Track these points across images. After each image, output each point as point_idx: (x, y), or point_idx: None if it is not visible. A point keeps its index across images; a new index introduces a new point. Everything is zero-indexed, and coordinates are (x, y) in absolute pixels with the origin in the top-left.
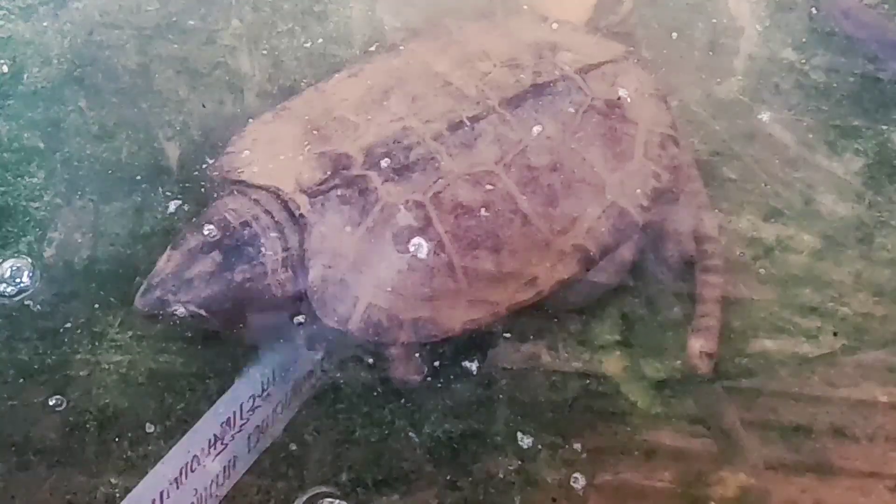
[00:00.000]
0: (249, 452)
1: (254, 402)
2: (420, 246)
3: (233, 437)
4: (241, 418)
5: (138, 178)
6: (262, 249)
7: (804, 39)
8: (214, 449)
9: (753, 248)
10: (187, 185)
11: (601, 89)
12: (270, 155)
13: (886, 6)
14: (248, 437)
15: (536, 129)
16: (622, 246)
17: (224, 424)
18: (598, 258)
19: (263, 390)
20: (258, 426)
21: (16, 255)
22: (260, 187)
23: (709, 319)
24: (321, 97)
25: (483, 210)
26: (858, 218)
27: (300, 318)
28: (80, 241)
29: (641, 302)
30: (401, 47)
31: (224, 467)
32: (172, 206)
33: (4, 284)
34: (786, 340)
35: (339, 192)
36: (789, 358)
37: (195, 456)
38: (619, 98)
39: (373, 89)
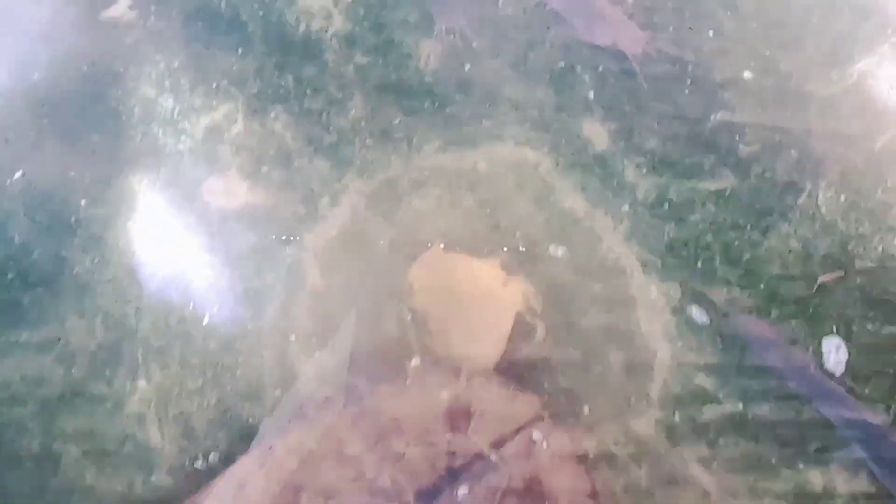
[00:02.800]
0: None
1: None
2: None
3: None
4: None
5: None
6: None
7: (717, 364)
8: None
9: None
10: None
11: (517, 464)
12: None
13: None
14: None
15: None
16: None
17: None
18: None
19: None
20: None
21: None
22: None
23: None
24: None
25: None
26: None
27: None
28: None
29: None
30: (312, 417)
31: None
32: None
33: None
34: None
35: None
36: None
37: None
38: (536, 473)
39: (286, 489)
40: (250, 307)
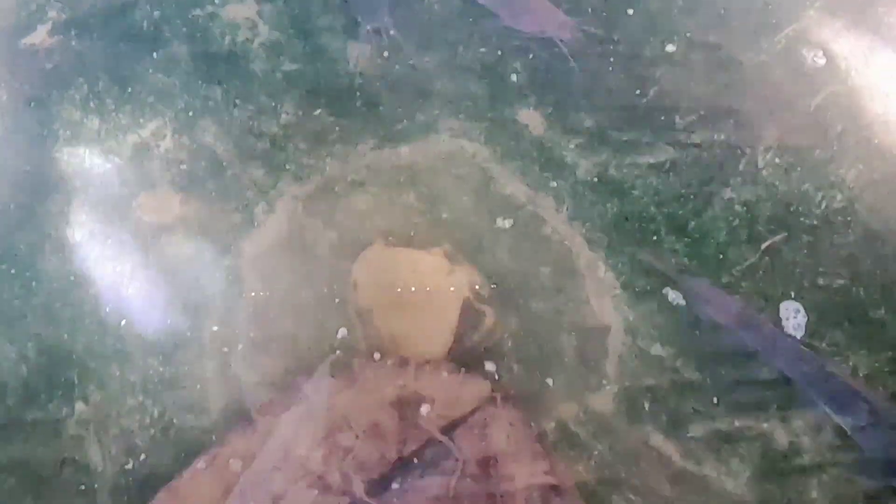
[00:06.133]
0: None
1: None
2: None
3: None
4: None
5: None
6: None
7: (671, 332)
8: None
9: None
10: None
11: (470, 447)
12: None
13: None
14: None
15: None
16: None
17: None
18: None
19: None
20: None
21: None
22: None
23: None
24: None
25: None
26: None
27: None
28: None
29: None
30: (257, 420)
31: None
32: None
33: None
34: None
35: None
36: None
37: None
38: (491, 455)
39: (231, 491)
40: (189, 320)
